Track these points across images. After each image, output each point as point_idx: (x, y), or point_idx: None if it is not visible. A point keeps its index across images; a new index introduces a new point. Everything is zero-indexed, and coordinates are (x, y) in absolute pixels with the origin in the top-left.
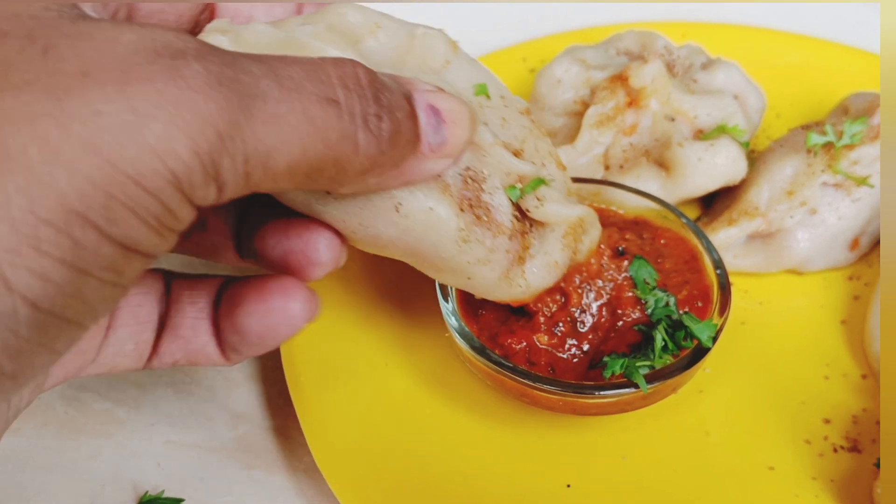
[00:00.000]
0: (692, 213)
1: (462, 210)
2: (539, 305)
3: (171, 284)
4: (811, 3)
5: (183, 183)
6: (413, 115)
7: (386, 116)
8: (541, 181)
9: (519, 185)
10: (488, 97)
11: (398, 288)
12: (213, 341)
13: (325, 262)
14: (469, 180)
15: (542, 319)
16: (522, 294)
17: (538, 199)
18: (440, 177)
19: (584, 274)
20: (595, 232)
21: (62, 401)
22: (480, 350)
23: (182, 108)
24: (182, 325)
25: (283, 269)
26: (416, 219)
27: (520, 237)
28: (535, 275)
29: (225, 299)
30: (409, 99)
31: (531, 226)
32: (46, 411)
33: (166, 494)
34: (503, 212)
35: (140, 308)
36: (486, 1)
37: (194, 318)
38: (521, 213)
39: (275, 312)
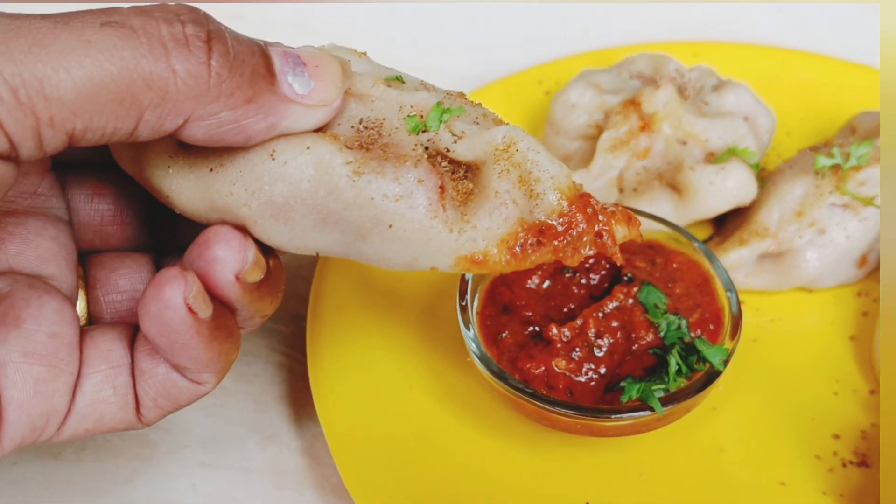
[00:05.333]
0: (704, 232)
1: (349, 147)
2: (556, 332)
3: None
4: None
5: None
6: (264, 54)
7: (218, 41)
8: (442, 109)
9: (419, 115)
10: (402, 81)
11: (422, 314)
12: (171, 367)
13: (222, 255)
14: (362, 129)
15: (559, 345)
16: (476, 242)
17: (454, 134)
18: (327, 131)
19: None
20: (551, 166)
21: None
22: (500, 375)
23: None
24: (140, 360)
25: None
26: (297, 164)
27: (433, 168)
28: (479, 214)
29: None
30: (261, 46)
31: (465, 173)
32: None
33: None
34: (405, 145)
35: (111, 352)
36: None
37: (146, 350)
38: (450, 161)
39: (153, 302)
